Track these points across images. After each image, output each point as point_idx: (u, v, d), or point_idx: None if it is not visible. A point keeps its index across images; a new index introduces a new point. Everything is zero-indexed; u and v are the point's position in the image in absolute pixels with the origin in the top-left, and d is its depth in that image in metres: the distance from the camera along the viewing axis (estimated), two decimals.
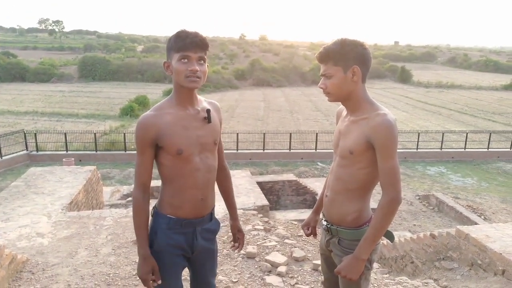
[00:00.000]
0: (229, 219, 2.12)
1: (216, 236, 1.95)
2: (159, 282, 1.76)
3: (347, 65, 1.68)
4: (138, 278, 1.81)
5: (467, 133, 19.98)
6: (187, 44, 1.63)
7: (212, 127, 1.79)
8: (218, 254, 3.65)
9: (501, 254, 3.64)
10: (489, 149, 19.74)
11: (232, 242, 2.15)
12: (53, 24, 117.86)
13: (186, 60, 1.65)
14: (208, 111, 1.77)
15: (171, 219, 1.77)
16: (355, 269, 1.68)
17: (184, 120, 1.72)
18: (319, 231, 2.09)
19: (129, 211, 5.17)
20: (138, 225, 1.76)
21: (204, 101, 1.83)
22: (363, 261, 1.68)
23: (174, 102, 1.73)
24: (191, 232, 1.81)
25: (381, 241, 5.97)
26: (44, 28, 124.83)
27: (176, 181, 1.75)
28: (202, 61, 1.68)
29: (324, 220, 1.91)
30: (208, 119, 1.77)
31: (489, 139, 19.81)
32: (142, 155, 1.71)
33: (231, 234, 2.17)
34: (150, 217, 1.84)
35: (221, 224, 4.59)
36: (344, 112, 1.85)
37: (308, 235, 2.12)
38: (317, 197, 2.13)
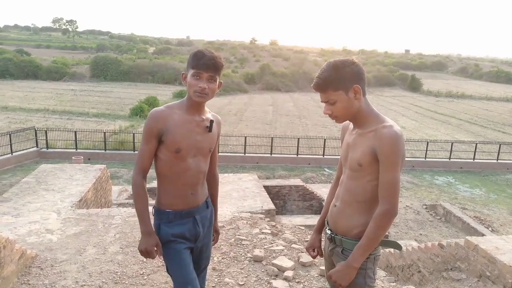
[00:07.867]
0: None
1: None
2: (161, 256, 1.91)
3: (347, 87, 1.70)
4: (141, 254, 1.89)
5: (476, 144, 19.81)
6: (201, 64, 1.82)
7: (210, 136, 1.99)
8: (225, 257, 3.69)
9: (511, 266, 3.60)
10: (499, 161, 19.57)
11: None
12: (66, 23, 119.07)
13: (198, 77, 1.84)
14: (211, 121, 1.98)
15: (170, 213, 1.95)
16: (346, 276, 1.71)
17: (189, 124, 1.90)
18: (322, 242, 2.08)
19: None
20: (141, 206, 1.89)
21: (209, 112, 2.02)
22: (355, 269, 1.71)
23: (184, 106, 1.93)
24: (191, 221, 1.98)
25: (387, 249, 5.95)
26: (58, 27, 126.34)
27: (169, 177, 1.94)
28: (213, 80, 1.87)
29: (329, 229, 1.92)
30: (209, 128, 1.96)
31: (499, 150, 19.63)
32: (148, 144, 1.88)
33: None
34: (152, 216, 1.98)
35: (228, 227, 4.64)
36: (351, 126, 1.87)
37: (314, 257, 2.09)
38: (323, 203, 2.12)
